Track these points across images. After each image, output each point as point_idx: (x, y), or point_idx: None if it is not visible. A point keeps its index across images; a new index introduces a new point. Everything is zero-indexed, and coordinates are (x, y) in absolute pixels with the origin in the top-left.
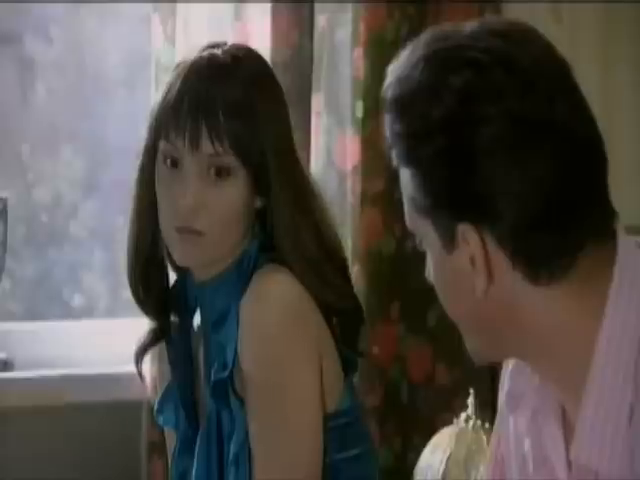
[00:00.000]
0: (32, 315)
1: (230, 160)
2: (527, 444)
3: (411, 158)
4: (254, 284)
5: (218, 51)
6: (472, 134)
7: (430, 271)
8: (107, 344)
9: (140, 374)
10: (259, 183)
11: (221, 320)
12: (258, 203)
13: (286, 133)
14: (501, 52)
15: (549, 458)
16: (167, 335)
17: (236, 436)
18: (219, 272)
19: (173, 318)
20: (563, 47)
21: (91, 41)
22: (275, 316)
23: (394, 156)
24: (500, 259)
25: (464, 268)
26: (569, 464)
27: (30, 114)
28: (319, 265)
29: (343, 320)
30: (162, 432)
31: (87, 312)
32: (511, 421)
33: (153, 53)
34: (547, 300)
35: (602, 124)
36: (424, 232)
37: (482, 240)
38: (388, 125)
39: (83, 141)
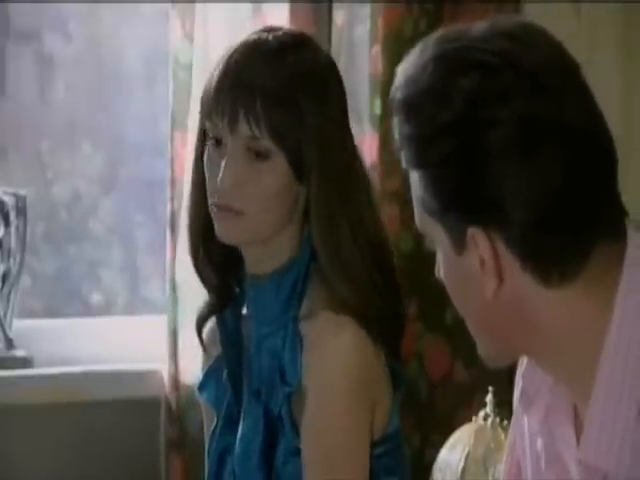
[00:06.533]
0: (51, 312)
1: (268, 144)
2: (540, 443)
3: (420, 161)
4: (318, 331)
5: (269, 36)
6: (481, 137)
7: (441, 270)
8: (125, 341)
9: (202, 343)
10: (301, 171)
11: (273, 326)
12: (303, 192)
13: (332, 127)
14: (509, 54)
15: (561, 456)
16: (226, 306)
17: (284, 449)
18: (271, 272)
19: (234, 290)
20: (582, 41)
21: (109, 38)
22: (340, 378)
23: (403, 158)
24: (510, 261)
25: (474, 270)
26: (580, 466)
27: (49, 111)
28: (355, 268)
29: (384, 329)
30: (180, 429)
31: (106, 309)
32: (525, 420)
33: (171, 50)
34: (558, 301)
35: (622, 117)
36: (434, 233)
37: (491, 243)
38: (397, 127)
39: (102, 138)
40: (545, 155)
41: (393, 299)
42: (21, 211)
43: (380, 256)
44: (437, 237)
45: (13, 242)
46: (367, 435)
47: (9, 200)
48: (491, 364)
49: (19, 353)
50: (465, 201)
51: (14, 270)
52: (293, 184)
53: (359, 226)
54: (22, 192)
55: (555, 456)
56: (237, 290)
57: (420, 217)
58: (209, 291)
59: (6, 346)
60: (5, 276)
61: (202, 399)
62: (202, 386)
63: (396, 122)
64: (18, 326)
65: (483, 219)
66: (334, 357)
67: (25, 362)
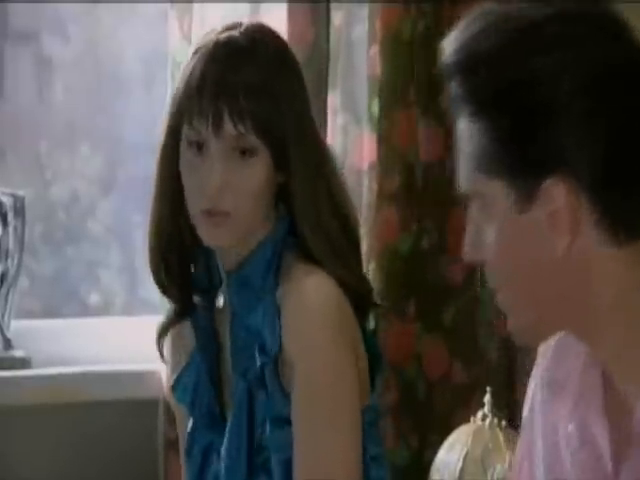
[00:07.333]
0: (49, 313)
1: (253, 140)
2: (571, 427)
3: (491, 116)
4: (294, 287)
5: (235, 33)
6: (554, 86)
7: (476, 243)
8: (124, 342)
9: (161, 353)
10: (280, 159)
11: (252, 304)
12: (279, 179)
13: (305, 107)
14: (566, 7)
15: (595, 438)
16: (188, 315)
17: (271, 420)
18: (246, 255)
19: (195, 298)
20: None
21: (108, 39)
22: (319, 326)
23: (465, 112)
24: (587, 214)
25: (540, 227)
26: (612, 444)
27: (47, 112)
28: (337, 240)
29: (356, 301)
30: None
31: (104, 310)
32: (538, 419)
33: (170, 51)
34: (621, 262)
35: None
36: (487, 193)
37: (570, 195)
38: (459, 82)
39: (100, 139)
40: (619, 100)
41: (360, 267)
42: (19, 212)
43: (350, 229)
44: (491, 198)
45: (11, 243)
46: (355, 377)
47: (7, 201)
48: (521, 339)
49: (17, 353)
50: (541, 153)
51: (12, 271)
52: (273, 174)
53: (334, 201)
54: (20, 193)
55: (589, 436)
56: (199, 299)
57: (471, 178)
58: (172, 302)
59: (4, 346)
60: (3, 277)
61: (176, 401)
62: (175, 388)
63: (458, 78)
64: (16, 326)
65: (559, 170)
66: (309, 301)
67: (23, 362)
